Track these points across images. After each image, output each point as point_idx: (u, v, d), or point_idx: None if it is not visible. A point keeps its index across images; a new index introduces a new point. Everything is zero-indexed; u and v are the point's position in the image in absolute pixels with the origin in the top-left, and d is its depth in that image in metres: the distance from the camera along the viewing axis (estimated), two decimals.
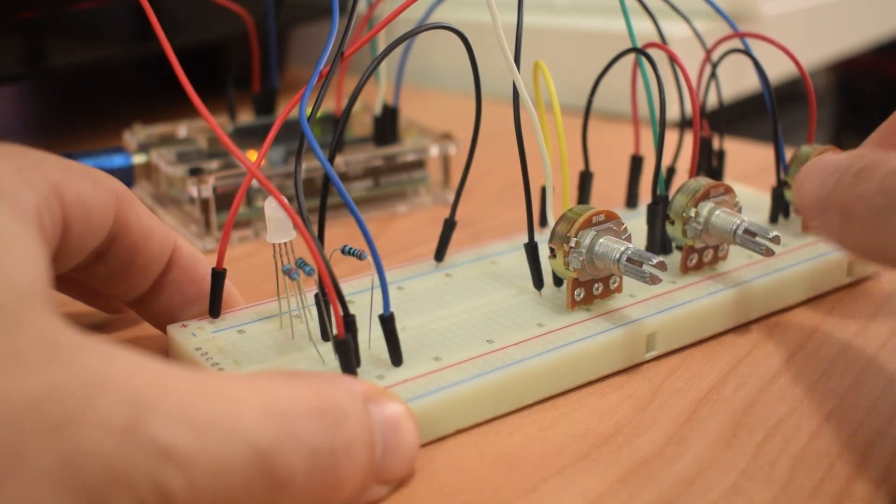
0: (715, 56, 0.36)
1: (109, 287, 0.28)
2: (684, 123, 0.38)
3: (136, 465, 0.17)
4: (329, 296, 0.24)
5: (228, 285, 0.29)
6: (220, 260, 0.28)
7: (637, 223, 0.33)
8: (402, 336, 0.26)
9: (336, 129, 0.26)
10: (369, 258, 0.25)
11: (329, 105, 0.45)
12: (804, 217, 0.28)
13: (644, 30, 0.35)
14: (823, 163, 0.26)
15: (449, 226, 0.33)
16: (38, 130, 0.59)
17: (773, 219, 0.36)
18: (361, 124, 0.46)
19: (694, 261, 0.32)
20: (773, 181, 0.35)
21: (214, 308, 0.29)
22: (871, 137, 0.29)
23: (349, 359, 0.25)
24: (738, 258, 0.32)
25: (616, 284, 0.30)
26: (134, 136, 0.43)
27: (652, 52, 0.32)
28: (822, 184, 0.26)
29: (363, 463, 0.21)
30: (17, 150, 0.23)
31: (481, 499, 0.23)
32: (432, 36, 0.31)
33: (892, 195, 0.23)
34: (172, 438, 0.18)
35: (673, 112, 0.43)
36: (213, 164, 0.39)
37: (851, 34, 0.71)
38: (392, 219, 0.42)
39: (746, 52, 0.35)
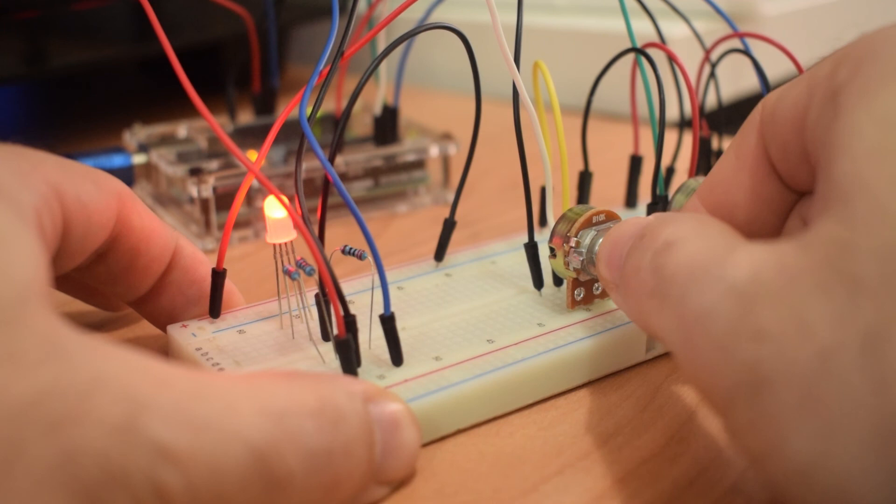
0: (714, 56, 0.36)
1: (110, 287, 0.28)
2: (683, 123, 0.38)
3: (133, 463, 0.17)
4: (329, 296, 0.24)
5: (229, 285, 0.29)
6: (221, 260, 0.28)
7: None
8: (403, 336, 0.26)
9: (336, 129, 0.26)
10: (369, 258, 0.25)
11: (329, 105, 0.45)
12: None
13: (643, 30, 0.35)
14: (623, 226, 0.25)
15: (449, 226, 0.33)
16: (38, 130, 0.59)
17: None
18: (361, 124, 0.46)
19: None
20: None
21: (215, 308, 0.29)
22: (697, 192, 0.26)
23: (350, 359, 0.25)
24: None
25: None
26: (134, 136, 0.43)
27: (651, 52, 0.32)
28: (618, 250, 0.24)
29: (362, 463, 0.21)
30: (17, 151, 0.23)
31: (481, 499, 0.23)
32: (432, 36, 0.31)
33: (665, 276, 0.21)
34: (170, 437, 0.18)
35: (672, 112, 0.43)
36: (213, 164, 0.39)
37: (851, 34, 0.71)
38: (392, 219, 0.42)
39: (746, 52, 0.35)
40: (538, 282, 0.30)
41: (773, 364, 0.18)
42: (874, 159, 0.19)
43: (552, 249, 0.29)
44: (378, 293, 0.26)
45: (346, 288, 0.30)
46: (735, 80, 0.56)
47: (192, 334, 0.28)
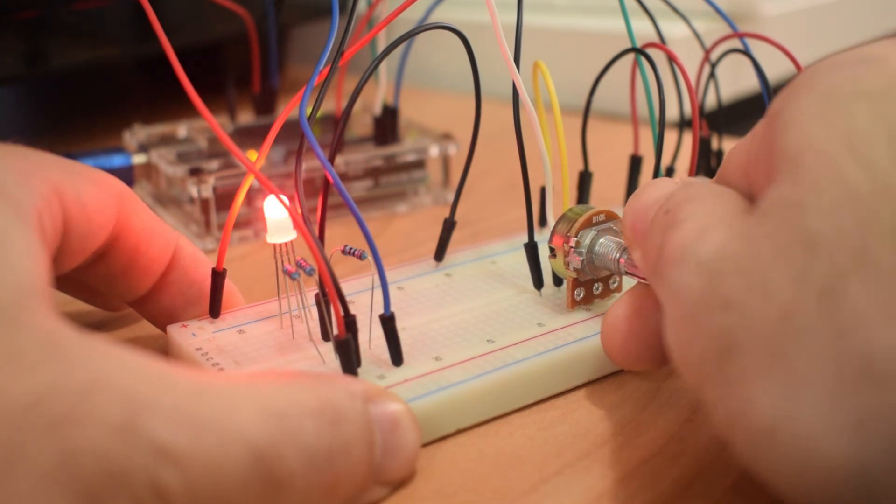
0: (714, 56, 0.36)
1: (110, 287, 0.28)
2: (683, 123, 0.38)
3: (133, 463, 0.17)
4: (329, 296, 0.24)
5: (229, 285, 0.29)
6: (221, 260, 0.28)
7: None
8: (403, 336, 0.26)
9: (336, 129, 0.27)
10: (370, 258, 0.25)
11: (329, 105, 0.45)
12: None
13: (643, 30, 0.35)
14: (649, 190, 0.25)
15: (449, 226, 0.33)
16: (38, 130, 0.59)
17: None
18: (361, 124, 0.46)
19: None
20: None
21: (215, 308, 0.29)
22: (731, 162, 0.25)
23: (350, 359, 0.25)
24: None
25: (616, 284, 0.30)
26: (134, 136, 0.43)
27: (651, 52, 0.32)
28: (643, 215, 0.24)
29: (362, 463, 0.21)
30: (17, 151, 0.23)
31: (481, 499, 0.23)
32: (432, 36, 0.31)
33: (666, 256, 0.21)
34: (170, 437, 0.18)
35: (672, 112, 0.43)
36: (213, 164, 0.39)
37: (851, 34, 0.71)
38: (392, 219, 0.42)
39: (746, 52, 0.35)
40: (538, 282, 0.30)
41: (740, 330, 0.19)
42: (818, 123, 0.19)
43: (552, 249, 0.29)
44: (378, 293, 0.26)
45: (346, 288, 0.30)
46: (735, 80, 0.56)
47: (192, 334, 0.28)
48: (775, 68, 0.38)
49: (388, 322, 0.26)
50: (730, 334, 0.19)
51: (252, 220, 0.39)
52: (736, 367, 0.19)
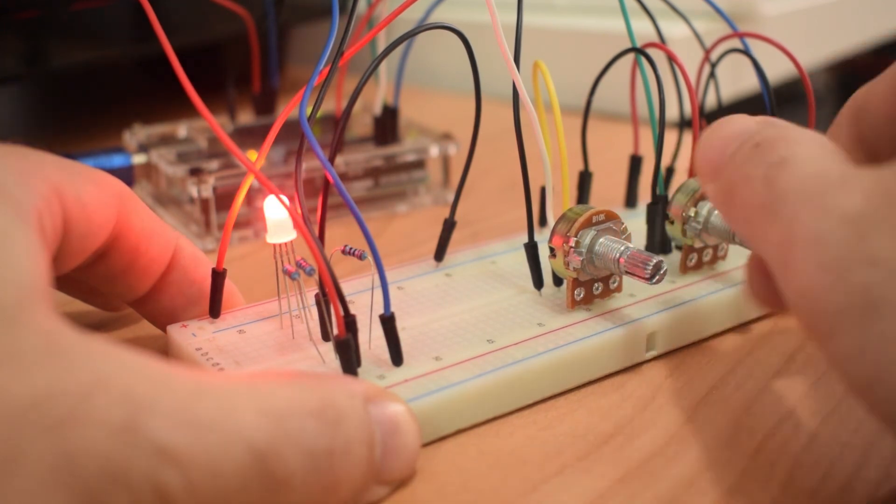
0: (714, 56, 0.36)
1: (110, 287, 0.28)
2: (683, 123, 0.38)
3: (134, 464, 0.17)
4: (329, 296, 0.24)
5: (229, 285, 0.29)
6: (221, 260, 0.28)
7: (636, 223, 0.33)
8: (403, 336, 0.26)
9: (336, 129, 0.27)
10: (370, 258, 0.25)
11: (329, 105, 0.45)
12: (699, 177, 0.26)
13: (643, 30, 0.35)
14: (731, 124, 0.24)
15: (449, 226, 0.33)
16: (38, 130, 0.59)
17: None
18: (361, 124, 0.46)
19: (693, 260, 0.32)
20: None
21: (215, 308, 0.29)
22: (843, 113, 0.27)
23: (350, 359, 0.25)
24: (737, 258, 0.32)
25: (616, 284, 0.30)
26: (134, 136, 0.43)
27: (651, 52, 0.32)
28: (722, 148, 0.24)
29: (362, 464, 0.21)
30: (18, 151, 0.23)
31: (481, 499, 0.23)
32: (432, 36, 0.31)
33: (778, 192, 0.21)
34: (170, 438, 0.18)
35: (672, 112, 0.43)
36: (213, 164, 0.39)
37: (851, 34, 0.71)
38: (392, 219, 0.42)
39: (746, 52, 0.35)
40: (538, 282, 0.30)
41: (885, 289, 0.19)
42: None
43: (552, 249, 0.29)
44: (378, 293, 0.26)
45: (346, 288, 0.30)
46: (735, 80, 0.56)
47: (192, 334, 0.28)
48: (775, 68, 0.38)
49: (388, 322, 0.26)
50: (874, 292, 0.19)
51: (252, 220, 0.39)
52: (878, 328, 0.19)
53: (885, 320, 0.19)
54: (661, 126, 0.31)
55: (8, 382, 0.17)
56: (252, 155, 0.41)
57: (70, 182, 0.24)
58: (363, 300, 0.30)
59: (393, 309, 0.26)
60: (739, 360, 0.29)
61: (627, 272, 0.28)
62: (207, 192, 0.38)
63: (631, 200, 0.37)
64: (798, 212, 0.21)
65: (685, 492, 0.23)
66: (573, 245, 0.28)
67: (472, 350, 0.27)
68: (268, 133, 0.26)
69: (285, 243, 0.27)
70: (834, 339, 0.20)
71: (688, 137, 0.35)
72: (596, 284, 0.29)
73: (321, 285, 0.25)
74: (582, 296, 0.29)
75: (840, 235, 0.20)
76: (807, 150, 0.22)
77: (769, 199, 0.22)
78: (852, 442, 0.25)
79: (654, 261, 0.27)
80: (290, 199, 0.25)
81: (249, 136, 0.44)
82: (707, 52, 0.36)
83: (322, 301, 0.26)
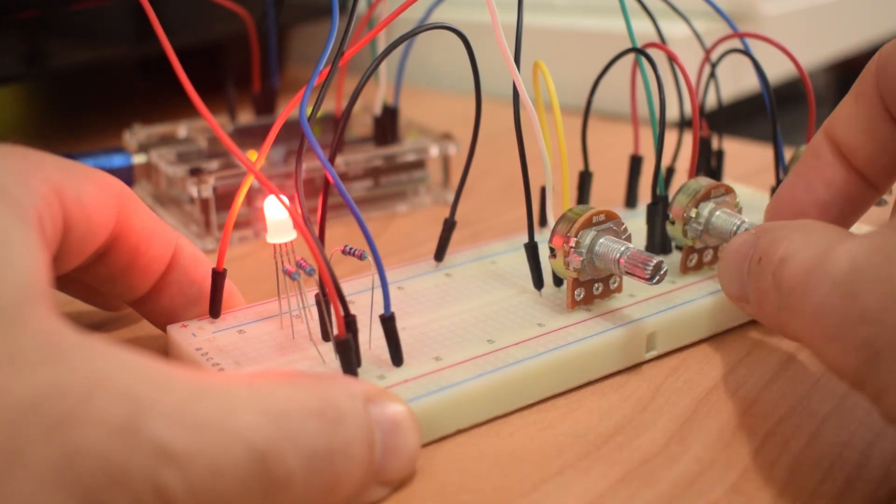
0: (714, 56, 0.36)
1: (110, 287, 0.28)
2: (684, 123, 0.38)
3: (134, 464, 0.17)
4: (329, 296, 0.24)
5: (229, 285, 0.29)
6: (221, 260, 0.28)
7: (637, 223, 0.33)
8: (403, 336, 0.26)
9: (336, 129, 0.26)
10: (370, 258, 0.25)
11: (329, 105, 0.45)
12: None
13: (644, 30, 0.35)
14: (734, 250, 0.26)
15: (449, 226, 0.33)
16: (38, 130, 0.59)
17: None
18: (361, 124, 0.46)
19: (694, 261, 0.32)
20: (772, 181, 0.35)
21: (215, 308, 0.29)
22: (822, 127, 0.29)
23: (350, 359, 0.25)
24: None
25: (616, 284, 0.30)
26: (134, 136, 0.43)
27: (651, 52, 0.32)
28: (738, 275, 0.26)
29: (362, 464, 0.21)
30: (18, 151, 0.23)
31: (481, 499, 0.23)
32: (432, 36, 0.31)
33: (785, 290, 0.23)
34: (170, 438, 0.18)
35: (672, 112, 0.43)
36: (213, 164, 0.39)
37: (851, 34, 0.71)
38: (392, 219, 0.42)
39: (746, 52, 0.35)
40: (538, 282, 0.30)
41: (883, 339, 0.20)
42: None
43: (552, 249, 0.29)
44: (378, 293, 0.26)
45: (346, 288, 0.30)
46: (735, 80, 0.56)
47: (192, 334, 0.28)
48: (775, 68, 0.38)
49: (388, 322, 0.26)
50: (875, 345, 0.20)
51: (252, 220, 0.39)
52: (885, 372, 0.20)
53: (885, 365, 0.20)
54: (661, 126, 0.31)
55: (8, 382, 0.17)
56: (252, 155, 0.41)
57: (70, 182, 0.24)
58: (363, 300, 0.30)
59: (393, 309, 0.26)
60: (739, 361, 0.29)
61: (628, 272, 0.28)
62: (207, 192, 0.38)
63: (631, 201, 0.37)
64: (803, 294, 0.22)
65: (685, 492, 0.23)
66: (573, 245, 0.28)
67: (472, 350, 0.27)
68: (268, 133, 0.26)
69: (285, 243, 0.27)
70: (863, 388, 0.22)
71: (688, 137, 0.35)
72: (596, 285, 0.29)
73: (321, 285, 0.25)
74: (582, 296, 0.29)
75: (834, 302, 0.21)
76: (799, 240, 0.23)
77: (783, 299, 0.23)
78: (852, 442, 0.25)
79: (655, 261, 0.27)
80: (291, 199, 0.25)
81: (249, 136, 0.44)
82: (707, 52, 0.36)
83: (322, 301, 0.26)
